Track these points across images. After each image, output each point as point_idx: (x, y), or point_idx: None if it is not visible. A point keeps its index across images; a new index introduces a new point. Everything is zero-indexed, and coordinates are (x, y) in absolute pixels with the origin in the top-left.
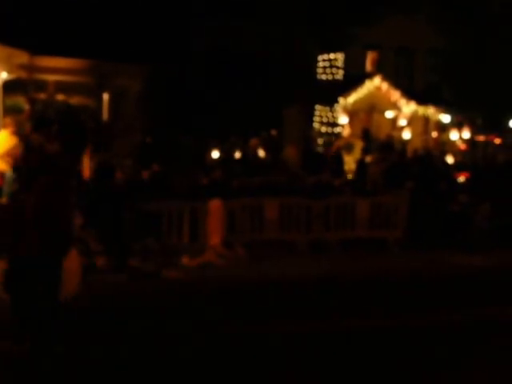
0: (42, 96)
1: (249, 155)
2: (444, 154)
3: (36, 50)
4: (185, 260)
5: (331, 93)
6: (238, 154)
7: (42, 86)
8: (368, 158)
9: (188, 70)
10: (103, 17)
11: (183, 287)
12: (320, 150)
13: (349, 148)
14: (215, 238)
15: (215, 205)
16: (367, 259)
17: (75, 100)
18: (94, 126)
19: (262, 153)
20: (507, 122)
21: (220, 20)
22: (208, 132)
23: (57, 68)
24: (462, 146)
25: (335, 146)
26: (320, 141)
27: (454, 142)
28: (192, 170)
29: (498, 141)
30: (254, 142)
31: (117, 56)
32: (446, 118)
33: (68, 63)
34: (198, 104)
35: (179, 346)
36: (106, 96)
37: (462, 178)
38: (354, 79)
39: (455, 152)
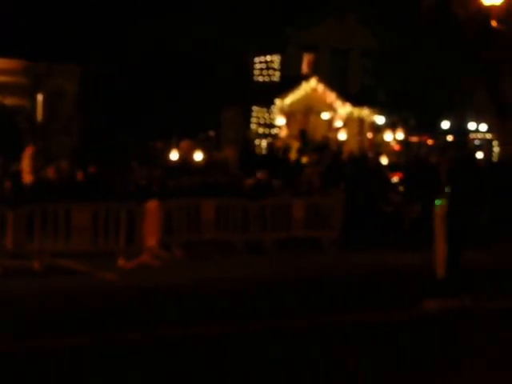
0: None
1: (181, 156)
2: (379, 154)
3: None
4: (121, 262)
5: (268, 94)
6: (174, 155)
7: None
8: (304, 159)
9: (124, 71)
10: (38, 17)
11: (117, 289)
12: (259, 150)
13: (286, 149)
14: (152, 240)
15: (152, 206)
16: (303, 259)
17: (9, 101)
18: (28, 126)
19: (198, 154)
20: (439, 123)
21: (157, 21)
22: (146, 133)
23: None
24: (396, 147)
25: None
26: (258, 142)
27: (388, 143)
28: (129, 171)
29: (430, 141)
30: (185, 143)
31: (52, 56)
32: (380, 120)
33: (2, 64)
34: (135, 105)
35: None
36: (40, 97)
37: (395, 179)
38: (290, 81)
39: (389, 153)
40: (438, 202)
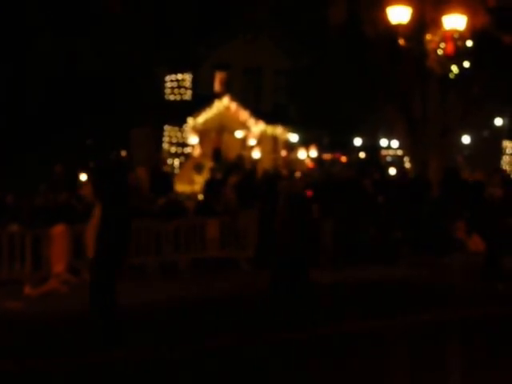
0: None
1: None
2: (292, 172)
3: None
4: (27, 289)
5: (180, 113)
6: (84, 177)
7: None
8: (218, 176)
9: (29, 90)
10: None
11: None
12: (169, 170)
13: (199, 168)
14: (59, 265)
15: (58, 230)
16: (217, 279)
17: None
18: None
19: None
20: (352, 141)
21: (63, 39)
22: (53, 155)
23: None
24: (310, 165)
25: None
26: (171, 161)
27: (302, 161)
28: (35, 195)
29: (343, 159)
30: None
31: None
32: (293, 138)
33: None
34: (40, 125)
35: None
36: None
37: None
38: (202, 99)
39: (303, 170)
40: None
